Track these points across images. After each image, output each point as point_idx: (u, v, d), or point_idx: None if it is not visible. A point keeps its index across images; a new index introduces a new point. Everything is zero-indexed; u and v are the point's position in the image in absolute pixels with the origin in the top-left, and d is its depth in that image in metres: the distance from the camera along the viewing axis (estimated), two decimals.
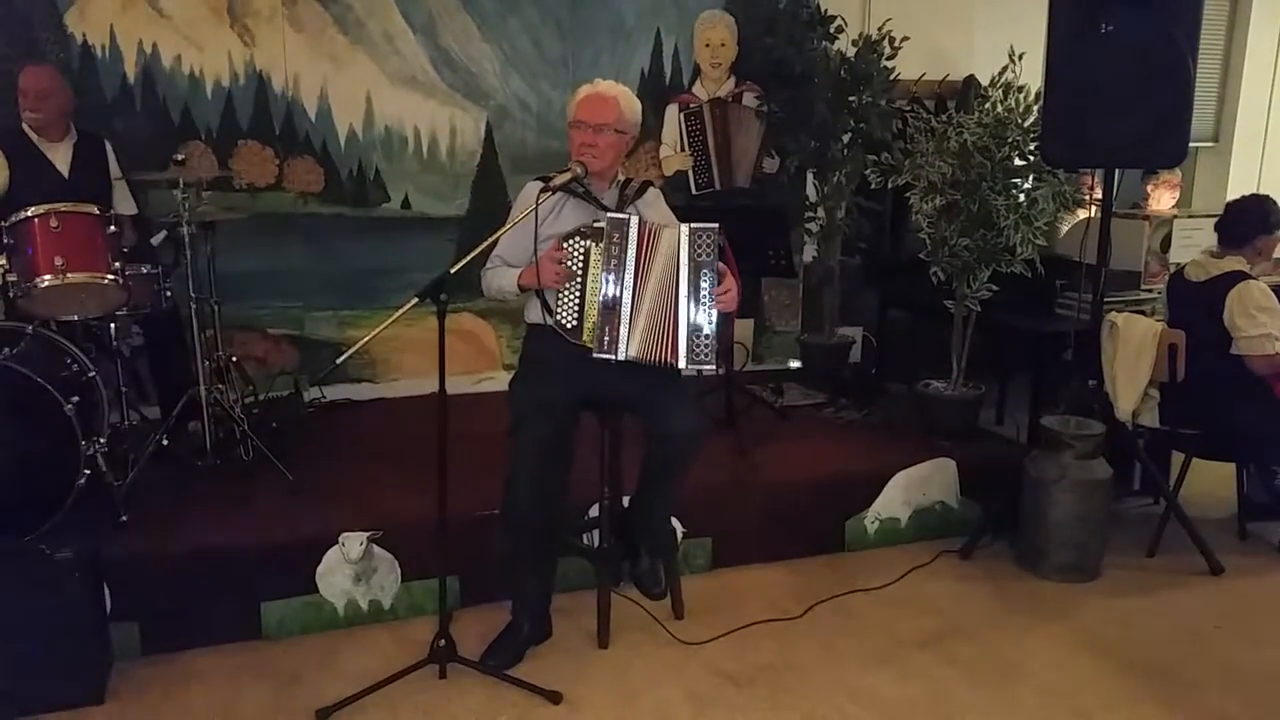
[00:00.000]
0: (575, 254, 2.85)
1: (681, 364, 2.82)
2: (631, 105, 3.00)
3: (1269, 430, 3.65)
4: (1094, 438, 3.58)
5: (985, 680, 2.97)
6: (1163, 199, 4.97)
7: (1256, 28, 6.22)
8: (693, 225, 2.82)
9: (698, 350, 2.82)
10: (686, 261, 2.81)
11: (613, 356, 2.83)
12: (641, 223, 2.84)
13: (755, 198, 4.70)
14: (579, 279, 2.85)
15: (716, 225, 2.82)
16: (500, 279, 3.00)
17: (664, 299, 2.82)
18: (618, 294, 2.83)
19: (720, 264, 2.84)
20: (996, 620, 3.33)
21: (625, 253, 2.82)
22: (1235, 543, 3.90)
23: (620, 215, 2.85)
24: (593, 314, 2.84)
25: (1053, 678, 2.99)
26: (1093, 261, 3.75)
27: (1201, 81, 3.95)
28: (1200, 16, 3.43)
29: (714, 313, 2.82)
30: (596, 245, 2.83)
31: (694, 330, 2.81)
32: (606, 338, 2.83)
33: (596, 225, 2.84)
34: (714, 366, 2.87)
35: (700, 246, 2.81)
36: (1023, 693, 2.90)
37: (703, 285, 2.81)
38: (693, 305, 2.81)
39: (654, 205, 3.09)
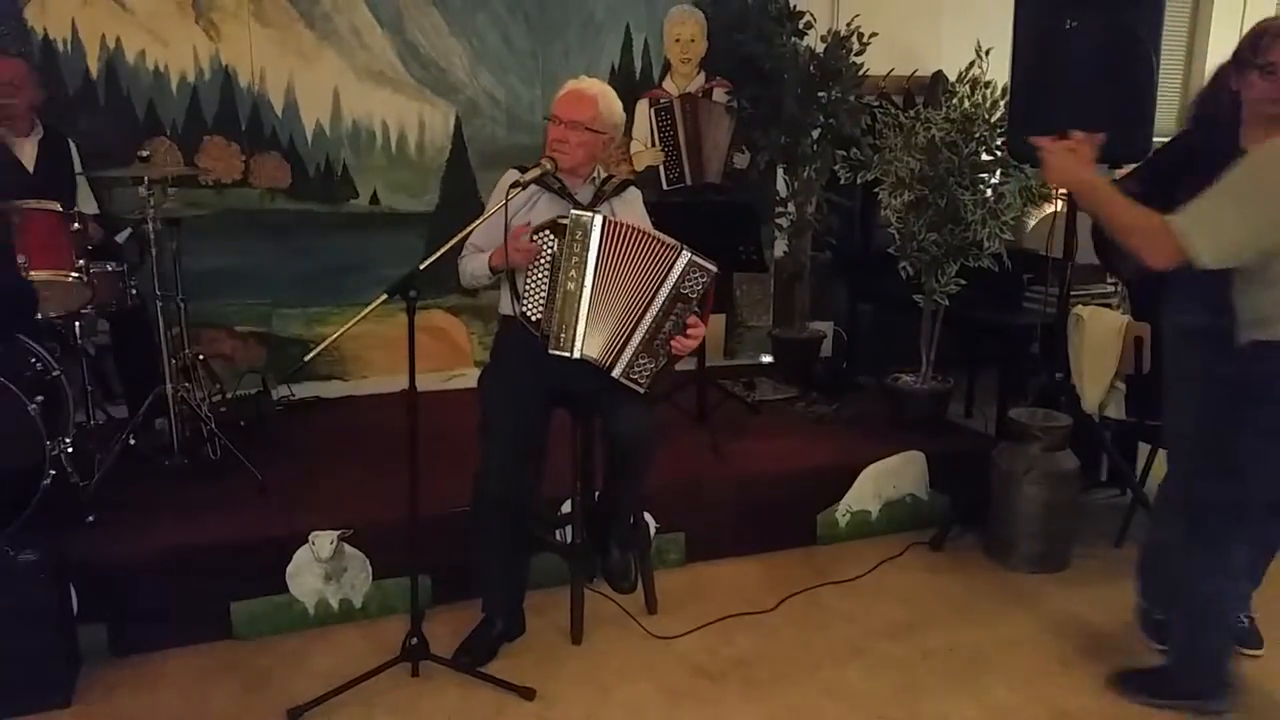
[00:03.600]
0: (544, 247, 2.85)
1: (615, 372, 2.83)
2: (610, 106, 2.98)
3: None
4: (1061, 430, 3.62)
5: (956, 670, 3.00)
6: None
7: (1219, 23, 6.31)
8: (694, 258, 2.79)
9: (635, 368, 2.84)
10: (671, 287, 2.80)
11: (567, 354, 2.84)
12: (608, 222, 2.82)
13: (726, 193, 4.71)
14: (547, 270, 2.85)
15: (715, 269, 2.81)
16: (473, 263, 3.00)
17: (632, 308, 2.82)
18: (576, 291, 2.83)
19: (699, 306, 2.84)
20: (966, 611, 3.36)
21: (587, 251, 2.80)
22: None
23: (584, 213, 2.83)
24: (553, 309, 2.84)
25: (1022, 667, 3.02)
26: (1059, 255, 3.79)
27: (1165, 76, 3.99)
28: (1163, 12, 3.48)
29: (667, 347, 2.83)
30: (560, 240, 2.83)
31: (643, 349, 2.82)
32: (563, 335, 2.83)
33: (560, 221, 2.84)
34: (642, 390, 2.87)
35: (690, 280, 2.80)
36: (992, 682, 2.94)
37: (672, 316, 2.82)
38: (654, 328, 2.82)
39: (631, 205, 3.07)
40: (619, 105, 3.02)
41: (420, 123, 4.79)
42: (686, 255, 2.79)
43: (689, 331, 2.84)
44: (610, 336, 2.84)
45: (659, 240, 2.82)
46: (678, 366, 4.55)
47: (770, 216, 4.99)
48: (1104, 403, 3.89)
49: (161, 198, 3.59)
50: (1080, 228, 3.78)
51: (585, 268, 2.81)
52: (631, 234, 2.82)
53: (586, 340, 2.83)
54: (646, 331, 2.82)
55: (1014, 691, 2.89)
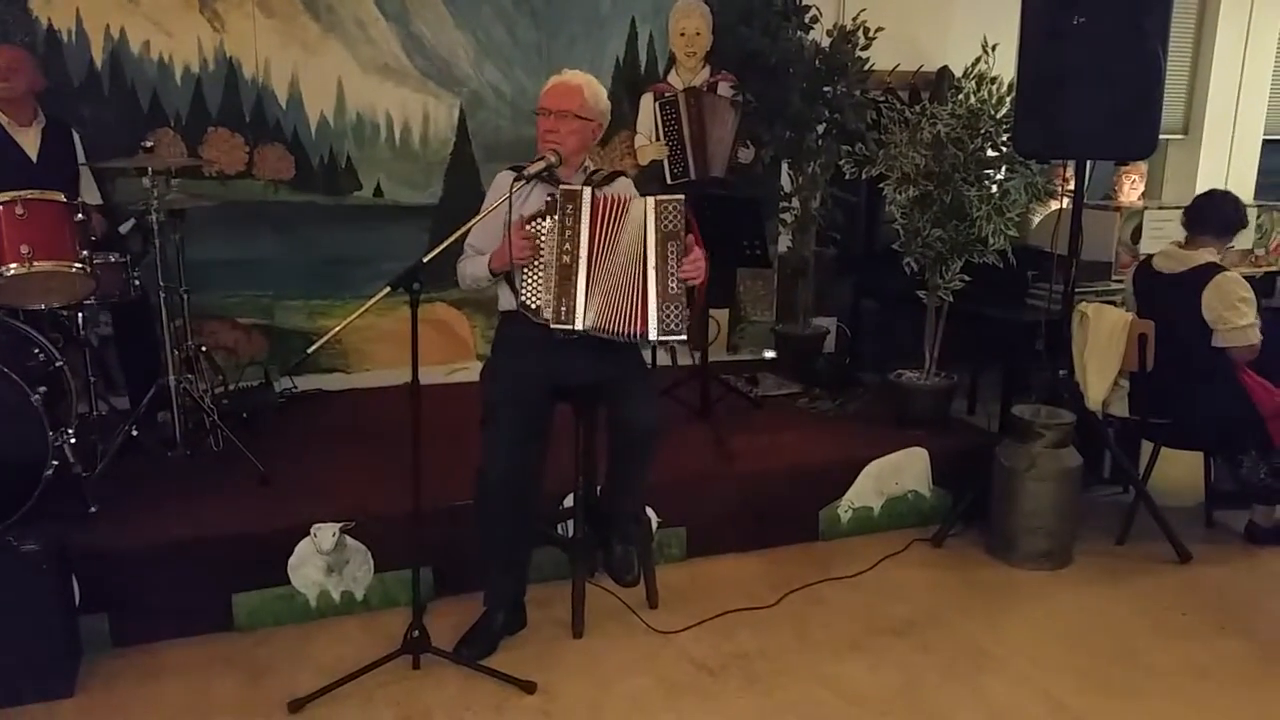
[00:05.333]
0: (538, 233, 2.86)
1: (653, 335, 2.84)
2: (596, 93, 3.01)
3: (1236, 419, 3.69)
4: (1064, 427, 3.62)
5: (957, 667, 3.00)
6: (1124, 187, 5.02)
7: (1225, 21, 6.29)
8: (659, 197, 2.85)
9: (668, 320, 2.84)
10: (654, 233, 2.83)
11: (570, 326, 2.84)
12: (595, 193, 2.85)
13: (730, 188, 4.70)
14: (543, 257, 2.86)
15: (682, 197, 2.85)
16: (473, 266, 3.02)
17: (631, 271, 2.84)
18: (571, 264, 2.84)
19: (688, 236, 2.85)
20: (968, 608, 3.36)
21: (579, 223, 2.83)
22: (1202, 531, 3.96)
23: (573, 186, 2.86)
24: (551, 286, 2.85)
25: (1023, 664, 3.02)
26: (1064, 252, 3.78)
27: (1171, 74, 3.97)
28: (1170, 9, 3.46)
29: (681, 284, 2.84)
30: (551, 219, 2.84)
31: (664, 300, 2.83)
32: (563, 308, 2.84)
33: (549, 198, 2.85)
34: (684, 336, 2.88)
35: (666, 218, 2.83)
36: (993, 679, 2.93)
37: (670, 256, 2.83)
38: (662, 275, 2.82)
39: (624, 192, 3.08)
40: (604, 93, 3.06)
41: (424, 115, 4.78)
42: (652, 199, 2.85)
43: (691, 259, 2.85)
44: (612, 305, 2.84)
45: (628, 200, 2.87)
46: (681, 361, 4.61)
47: (774, 212, 4.98)
48: (1107, 400, 3.88)
49: (165, 189, 3.59)
50: (1085, 224, 3.77)
51: (579, 239, 2.83)
52: (614, 204, 2.86)
53: (587, 312, 2.84)
54: (657, 283, 2.83)
55: (1015, 688, 2.89)
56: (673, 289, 2.83)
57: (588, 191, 2.84)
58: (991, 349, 4.67)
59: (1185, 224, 3.82)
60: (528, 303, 2.88)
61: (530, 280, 2.88)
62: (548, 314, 2.85)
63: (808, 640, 3.13)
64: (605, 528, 3.17)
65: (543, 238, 2.85)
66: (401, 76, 4.71)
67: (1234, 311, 3.59)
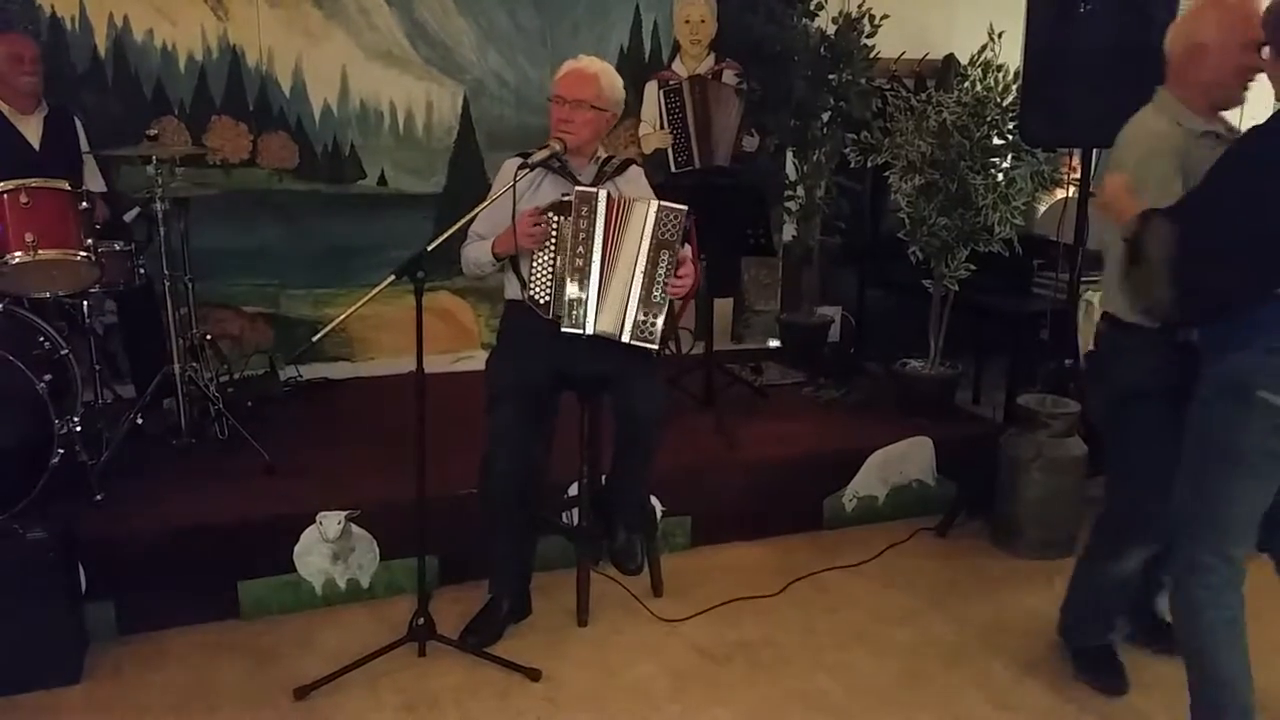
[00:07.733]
0: (549, 228, 2.86)
1: (625, 336, 2.84)
2: (612, 83, 2.99)
3: None
4: (1069, 416, 3.61)
5: (960, 655, 3.00)
6: None
7: None
8: (662, 203, 2.83)
9: (642, 326, 2.84)
10: (649, 238, 2.82)
11: (581, 331, 2.84)
12: (610, 197, 2.84)
13: (735, 176, 4.69)
14: (552, 250, 2.86)
15: (685, 209, 2.82)
16: (476, 251, 3.02)
17: (626, 271, 2.84)
18: (584, 267, 2.84)
19: (684, 248, 2.84)
20: (972, 596, 3.36)
21: (594, 226, 2.83)
22: None
23: (588, 189, 2.85)
24: (562, 288, 2.85)
25: (1027, 653, 3.02)
26: (1070, 241, 3.77)
27: None
28: None
29: (665, 295, 2.83)
30: (565, 219, 2.84)
31: (644, 305, 2.83)
32: (575, 312, 2.84)
33: (565, 199, 2.85)
34: (655, 346, 2.88)
35: (665, 226, 2.81)
36: (996, 668, 2.94)
37: (660, 265, 2.82)
38: (648, 281, 2.82)
39: (635, 183, 3.08)
40: (619, 81, 3.04)
41: (428, 103, 4.77)
42: (655, 203, 2.82)
43: (680, 274, 2.84)
44: (618, 308, 2.84)
45: (632, 202, 2.85)
46: (686, 350, 4.60)
47: (779, 200, 4.97)
48: None
49: (169, 177, 3.59)
50: (1091, 213, 3.76)
51: (593, 243, 2.83)
52: (623, 205, 2.85)
53: (599, 316, 2.84)
54: (641, 288, 2.83)
55: (1018, 677, 2.89)
56: (655, 297, 2.83)
57: (603, 194, 2.83)
58: (997, 338, 4.67)
59: None
60: (537, 297, 2.88)
61: (540, 275, 2.88)
62: (558, 314, 2.85)
63: (812, 629, 3.14)
64: (610, 516, 3.17)
65: (554, 233, 2.84)
66: (405, 64, 4.70)
67: None
